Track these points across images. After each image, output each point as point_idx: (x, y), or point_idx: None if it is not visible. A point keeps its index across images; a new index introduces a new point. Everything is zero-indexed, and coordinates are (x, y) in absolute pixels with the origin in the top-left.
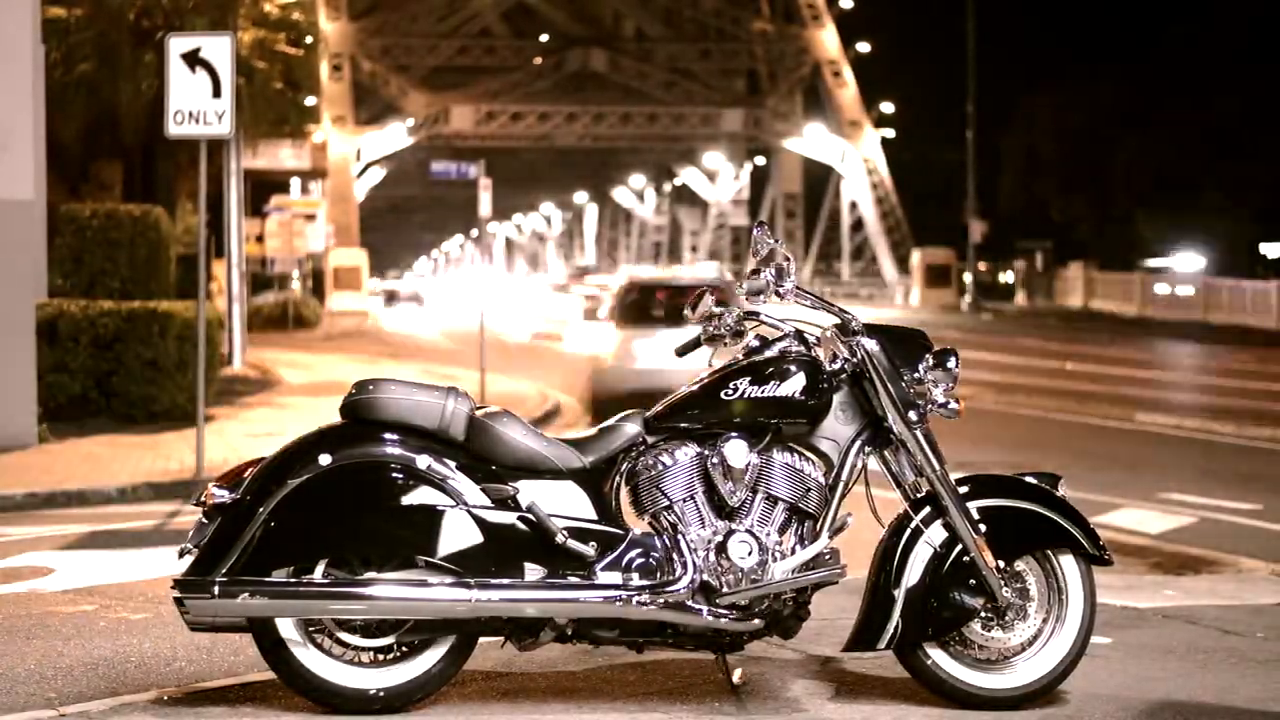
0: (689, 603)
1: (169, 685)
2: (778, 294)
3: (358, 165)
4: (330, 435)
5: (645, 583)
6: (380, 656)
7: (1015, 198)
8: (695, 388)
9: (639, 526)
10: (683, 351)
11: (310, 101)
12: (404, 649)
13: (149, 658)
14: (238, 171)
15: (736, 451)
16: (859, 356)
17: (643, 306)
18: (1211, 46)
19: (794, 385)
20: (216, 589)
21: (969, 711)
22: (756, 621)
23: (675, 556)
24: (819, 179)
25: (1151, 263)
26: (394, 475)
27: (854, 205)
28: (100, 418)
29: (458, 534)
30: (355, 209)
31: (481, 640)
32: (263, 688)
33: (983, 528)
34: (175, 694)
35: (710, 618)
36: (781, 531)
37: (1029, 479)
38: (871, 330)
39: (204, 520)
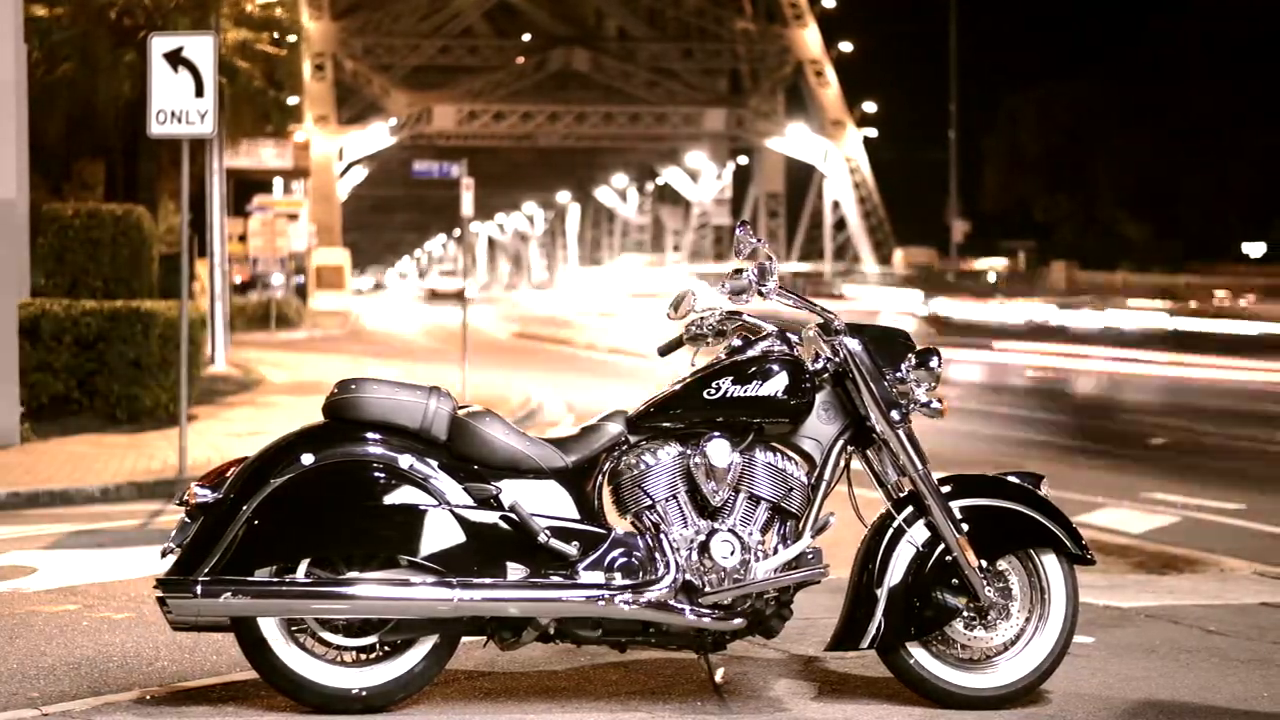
0: (671, 602)
1: (152, 684)
2: (760, 293)
3: (340, 165)
4: (312, 435)
5: (628, 582)
6: (363, 656)
7: (998, 197)
8: (678, 387)
9: (622, 526)
10: (665, 351)
11: (293, 101)
12: (386, 648)
13: (131, 657)
14: (220, 171)
15: (719, 451)
16: (841, 356)
17: None
18: (1195, 46)
19: (776, 385)
20: (199, 588)
21: (951, 711)
22: (739, 621)
23: (658, 556)
24: (801, 178)
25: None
26: (376, 475)
27: (836, 205)
28: (83, 417)
29: (440, 533)
30: (338, 208)
31: (464, 640)
32: (245, 687)
33: (965, 527)
34: (158, 693)
35: (693, 617)
36: (764, 531)
37: (1012, 478)
38: (854, 330)
39: (186, 519)
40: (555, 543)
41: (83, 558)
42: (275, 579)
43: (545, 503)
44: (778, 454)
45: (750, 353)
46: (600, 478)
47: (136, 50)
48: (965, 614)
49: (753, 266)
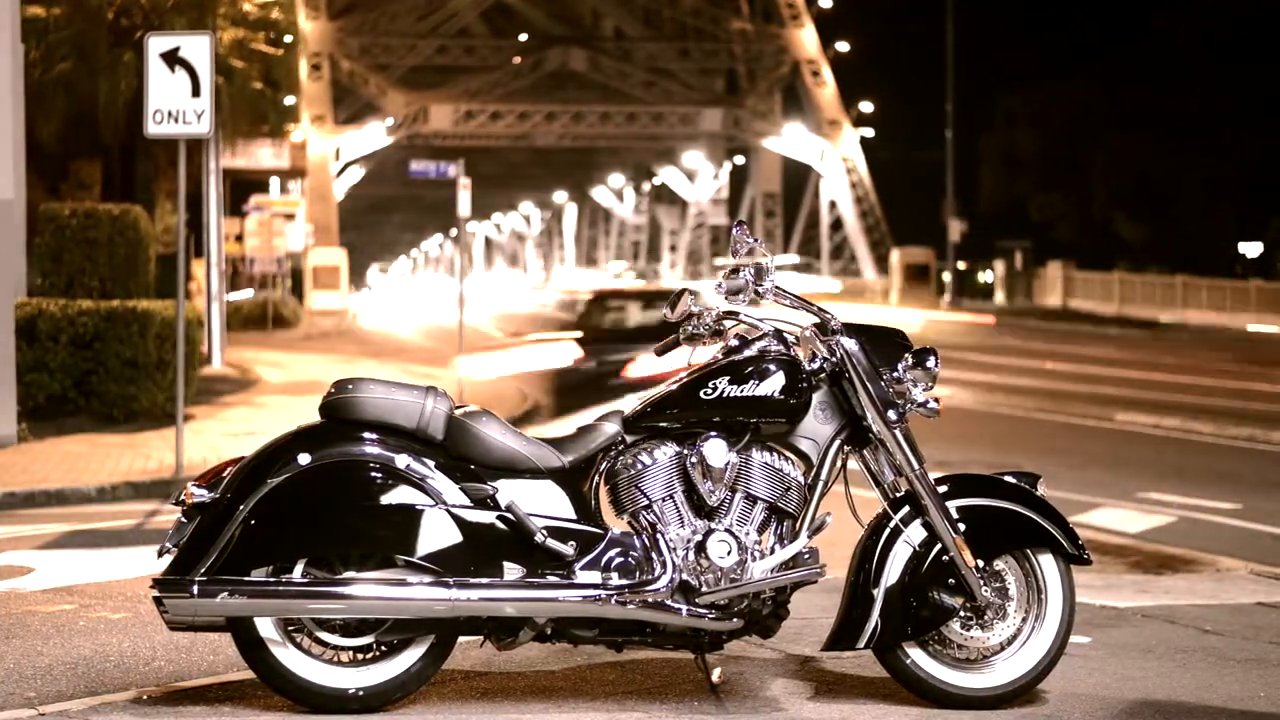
0: (668, 602)
1: (148, 684)
2: (757, 293)
3: (337, 164)
4: (309, 434)
5: (624, 582)
6: (359, 656)
7: (995, 197)
8: (674, 387)
9: (618, 526)
10: (662, 351)
11: (289, 101)
12: (383, 648)
13: (128, 657)
14: (217, 170)
15: (715, 451)
16: (838, 356)
17: None
18: (1192, 46)
19: (773, 385)
20: (195, 588)
21: (948, 711)
22: (736, 621)
23: (654, 556)
24: (798, 178)
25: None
26: (373, 474)
27: (833, 204)
28: (79, 417)
29: (437, 533)
30: (334, 208)
31: (461, 640)
32: (242, 687)
33: (962, 527)
34: (154, 693)
35: (689, 617)
36: (761, 531)
37: (1008, 478)
38: (851, 329)
39: (183, 519)
40: (552, 542)
41: (79, 558)
42: (272, 579)
43: (542, 502)
44: (774, 454)
45: (747, 352)
46: (597, 477)
47: (134, 50)
48: (962, 614)
49: (749, 266)
